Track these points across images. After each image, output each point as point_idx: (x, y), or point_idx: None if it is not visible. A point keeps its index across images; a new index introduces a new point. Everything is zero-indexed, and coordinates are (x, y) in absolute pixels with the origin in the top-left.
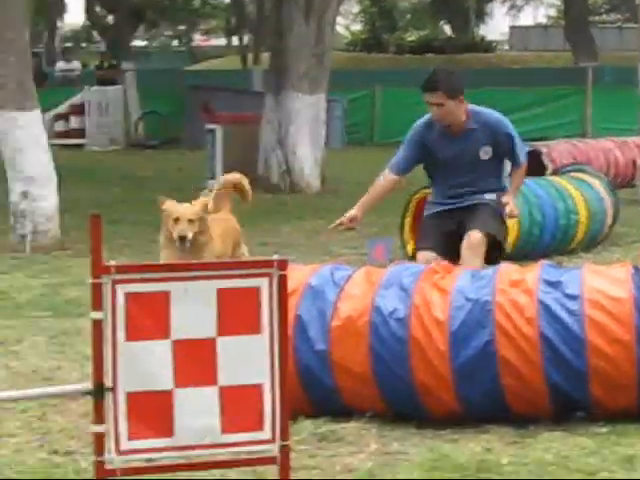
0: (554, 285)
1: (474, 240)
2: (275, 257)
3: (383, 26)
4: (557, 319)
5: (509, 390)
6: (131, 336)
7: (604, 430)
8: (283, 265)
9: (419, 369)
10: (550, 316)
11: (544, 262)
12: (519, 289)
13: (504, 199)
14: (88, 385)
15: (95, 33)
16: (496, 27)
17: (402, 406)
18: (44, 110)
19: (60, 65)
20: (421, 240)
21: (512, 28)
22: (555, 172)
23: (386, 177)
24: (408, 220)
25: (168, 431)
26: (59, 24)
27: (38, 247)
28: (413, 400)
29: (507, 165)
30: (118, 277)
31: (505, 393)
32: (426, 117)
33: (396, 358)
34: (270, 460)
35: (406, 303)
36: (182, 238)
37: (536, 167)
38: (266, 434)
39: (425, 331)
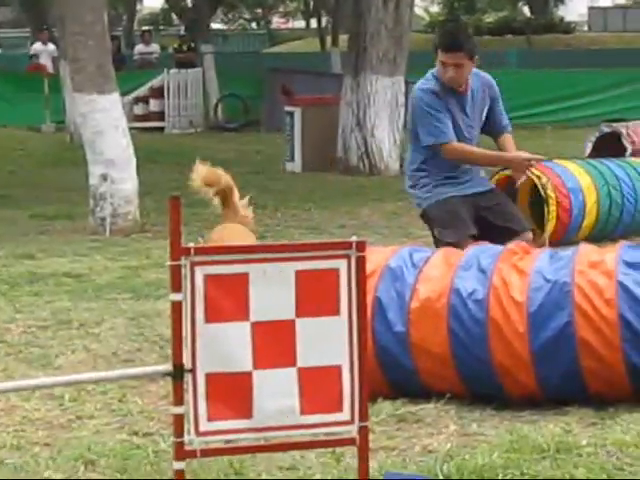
0: (634, 266)
1: (530, 241)
2: (353, 239)
3: (462, 7)
4: (636, 301)
5: (588, 371)
6: (210, 318)
7: None
8: (362, 247)
9: (498, 350)
10: (629, 298)
11: (624, 243)
12: (598, 270)
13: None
14: (168, 367)
15: (174, 16)
16: (575, 8)
17: (481, 387)
18: (123, 93)
19: (139, 48)
20: (461, 227)
21: (591, 9)
22: (635, 153)
23: (460, 145)
24: None
25: (247, 412)
26: (138, 7)
27: (117, 230)
28: (492, 381)
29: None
30: (197, 259)
31: (584, 374)
32: (428, 81)
33: (474, 339)
34: (349, 441)
35: (484, 284)
36: None
37: (616, 148)
38: (345, 415)
39: (504, 312)
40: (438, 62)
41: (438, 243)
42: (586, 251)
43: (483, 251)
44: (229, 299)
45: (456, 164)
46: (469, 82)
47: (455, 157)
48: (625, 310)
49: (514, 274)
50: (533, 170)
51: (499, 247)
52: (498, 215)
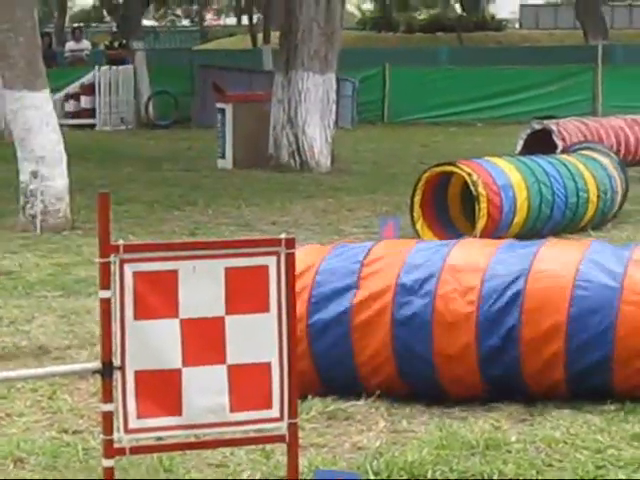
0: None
1: None
2: (283, 236)
3: (394, 4)
4: None
5: None
6: (139, 315)
7: (612, 408)
8: (291, 244)
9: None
10: None
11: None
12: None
13: None
14: (97, 364)
15: (105, 13)
16: (506, 5)
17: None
18: (54, 90)
19: (70, 45)
20: None
21: (522, 6)
22: (565, 150)
23: None
24: (418, 198)
25: (177, 409)
26: (69, 4)
27: (48, 227)
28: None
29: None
30: (126, 256)
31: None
32: None
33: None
34: (279, 438)
35: (431, 279)
36: None
37: (546, 145)
38: (274, 412)
39: (448, 306)
40: None
41: None
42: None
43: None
44: (158, 296)
45: None
46: None
47: None
48: None
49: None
50: (463, 167)
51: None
52: None
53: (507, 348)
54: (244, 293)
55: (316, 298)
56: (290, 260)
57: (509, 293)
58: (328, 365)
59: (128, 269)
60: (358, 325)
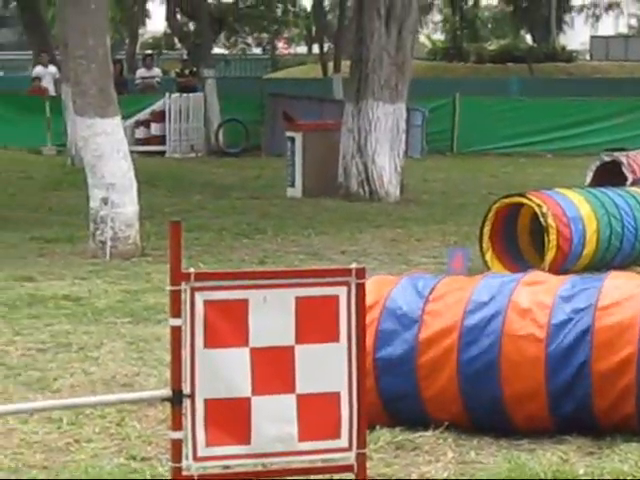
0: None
1: None
2: (353, 266)
3: (464, 35)
4: None
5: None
6: (210, 343)
7: None
8: (361, 274)
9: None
10: None
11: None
12: None
13: None
14: (166, 391)
15: (176, 40)
16: (577, 37)
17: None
18: (125, 117)
19: (141, 72)
20: None
21: (593, 38)
22: (635, 183)
23: None
24: (487, 229)
25: (245, 438)
26: (141, 31)
27: (117, 253)
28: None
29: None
30: (197, 284)
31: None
32: None
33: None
34: (347, 468)
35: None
36: None
37: (616, 177)
38: (343, 442)
39: (516, 346)
40: None
41: None
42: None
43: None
44: (229, 325)
45: None
46: None
47: None
48: None
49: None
50: (533, 198)
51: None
52: None
53: (578, 384)
54: (314, 323)
55: (382, 333)
56: (361, 290)
57: (578, 329)
58: (394, 399)
59: (199, 297)
60: (424, 363)
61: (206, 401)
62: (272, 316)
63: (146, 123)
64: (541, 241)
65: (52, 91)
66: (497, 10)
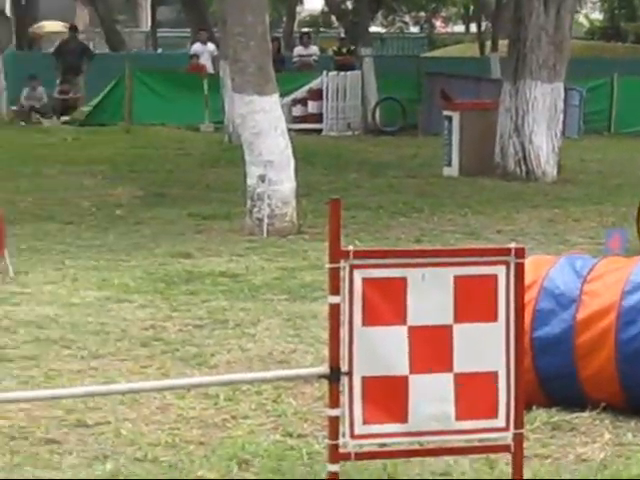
0: None
1: None
2: (513, 245)
3: (622, 15)
4: None
5: None
6: (368, 321)
7: None
8: (521, 253)
9: None
10: None
11: None
12: None
13: None
14: (323, 369)
15: (333, 18)
16: None
17: None
18: (282, 95)
19: (298, 50)
20: None
21: None
22: None
23: None
24: None
25: (402, 416)
26: (298, 9)
27: (274, 230)
28: None
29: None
30: (356, 262)
31: None
32: None
33: None
34: (503, 448)
35: None
36: None
37: None
38: (500, 422)
39: None
40: None
41: None
42: None
43: None
44: (387, 303)
45: None
46: None
47: None
48: None
49: None
50: None
51: None
52: None
53: None
54: (472, 302)
55: (540, 312)
56: (520, 270)
57: None
58: (551, 379)
59: (358, 275)
60: (582, 343)
61: (364, 379)
62: (430, 295)
63: (303, 101)
64: None
65: (210, 68)
66: None
